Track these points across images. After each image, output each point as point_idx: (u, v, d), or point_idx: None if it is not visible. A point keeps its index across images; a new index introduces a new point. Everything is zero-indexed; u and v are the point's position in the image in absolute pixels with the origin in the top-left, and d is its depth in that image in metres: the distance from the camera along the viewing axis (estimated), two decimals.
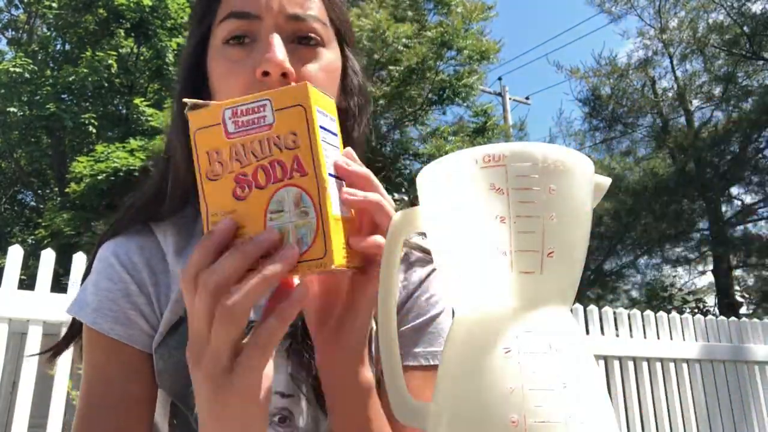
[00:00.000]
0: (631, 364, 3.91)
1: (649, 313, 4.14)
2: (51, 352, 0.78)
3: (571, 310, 0.44)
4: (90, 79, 9.23)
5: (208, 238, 0.47)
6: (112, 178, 8.18)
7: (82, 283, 0.76)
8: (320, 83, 0.69)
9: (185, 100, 0.49)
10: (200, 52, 0.74)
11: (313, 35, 0.70)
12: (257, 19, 0.68)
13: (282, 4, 0.68)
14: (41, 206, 12.39)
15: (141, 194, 0.78)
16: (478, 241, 0.42)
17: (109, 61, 9.28)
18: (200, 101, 0.49)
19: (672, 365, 4.09)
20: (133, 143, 8.49)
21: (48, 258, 2.57)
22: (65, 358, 2.50)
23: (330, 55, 0.73)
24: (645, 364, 3.97)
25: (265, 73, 0.65)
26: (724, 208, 10.76)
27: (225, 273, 0.44)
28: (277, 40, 0.66)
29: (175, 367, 0.66)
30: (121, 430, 0.66)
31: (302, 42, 0.70)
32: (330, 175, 0.49)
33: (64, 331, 0.77)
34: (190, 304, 0.46)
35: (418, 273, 0.78)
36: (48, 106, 9.26)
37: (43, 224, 9.02)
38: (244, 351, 0.46)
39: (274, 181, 0.48)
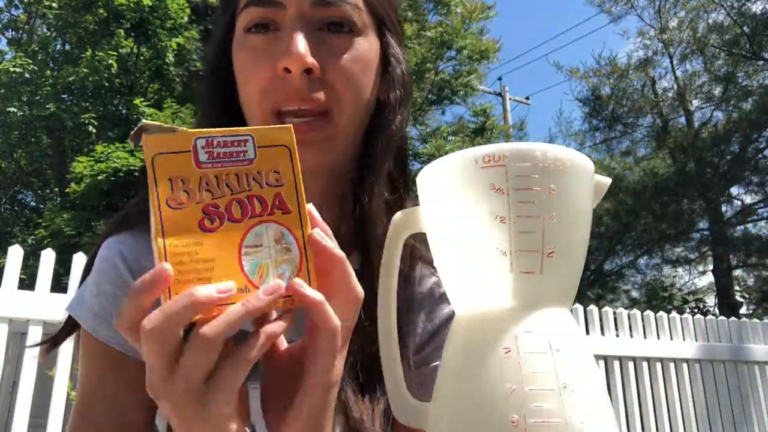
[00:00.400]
0: (631, 364, 3.91)
1: (649, 313, 4.14)
2: (48, 343, 0.74)
3: (571, 310, 0.44)
4: (90, 79, 9.22)
5: (145, 284, 0.42)
6: (112, 178, 8.17)
7: (82, 280, 0.71)
8: (352, 77, 0.65)
9: (143, 122, 0.45)
10: (226, 42, 0.69)
11: (344, 22, 0.64)
12: (280, 6, 0.63)
13: None
14: (41, 206, 12.39)
15: None
16: (478, 241, 0.42)
17: (109, 61, 9.27)
18: (164, 125, 0.45)
19: (672, 365, 4.09)
20: None
21: (48, 258, 2.57)
22: (65, 359, 2.50)
23: (364, 45, 0.66)
24: (645, 364, 3.97)
25: (287, 70, 0.61)
26: (724, 208, 10.77)
27: (177, 323, 0.41)
28: (299, 34, 0.61)
29: None
30: None
31: (333, 29, 0.64)
32: None
33: None
34: (139, 346, 0.43)
35: (447, 309, 0.74)
36: (48, 106, 9.25)
37: (43, 224, 9.01)
38: (225, 366, 0.43)
39: (252, 215, 0.45)
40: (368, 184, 0.67)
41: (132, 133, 0.45)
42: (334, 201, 0.69)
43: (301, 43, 0.60)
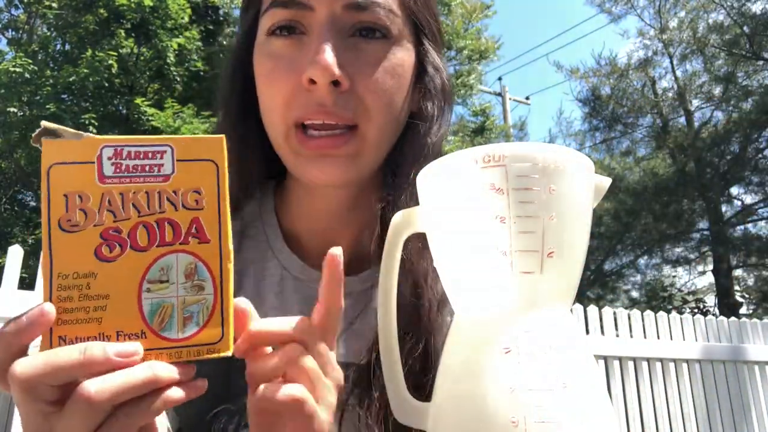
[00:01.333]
0: (631, 364, 3.90)
1: (649, 313, 4.14)
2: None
3: (571, 310, 0.44)
4: (90, 79, 9.23)
5: (17, 325, 0.36)
6: None
7: None
8: (384, 90, 0.59)
9: (44, 123, 0.38)
10: (247, 46, 0.64)
11: (378, 27, 0.59)
12: (307, 9, 0.58)
13: None
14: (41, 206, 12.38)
15: None
16: (478, 241, 0.42)
17: (110, 62, 9.27)
18: (69, 129, 0.38)
19: (672, 365, 4.08)
20: None
21: None
22: None
23: (398, 54, 0.61)
24: (645, 364, 3.97)
25: (312, 81, 0.56)
26: (724, 208, 10.76)
27: (57, 379, 0.35)
28: (327, 42, 0.56)
29: (197, 412, 0.59)
30: None
31: (365, 35, 0.59)
32: None
33: None
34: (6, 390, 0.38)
35: None
36: (48, 106, 9.25)
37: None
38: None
39: (161, 243, 0.38)
40: (400, 200, 0.62)
41: (34, 135, 0.39)
42: (359, 214, 0.66)
43: (329, 52, 0.55)
